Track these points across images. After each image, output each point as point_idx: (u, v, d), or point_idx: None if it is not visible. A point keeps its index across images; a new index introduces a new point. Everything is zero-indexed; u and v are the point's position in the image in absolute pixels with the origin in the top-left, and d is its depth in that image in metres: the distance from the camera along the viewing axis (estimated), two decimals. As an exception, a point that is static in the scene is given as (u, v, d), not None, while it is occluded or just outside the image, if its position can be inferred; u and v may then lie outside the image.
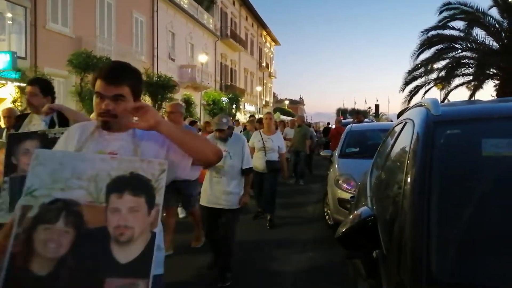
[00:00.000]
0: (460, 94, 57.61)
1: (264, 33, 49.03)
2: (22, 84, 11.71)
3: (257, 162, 6.45)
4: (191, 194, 5.21)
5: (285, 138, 11.45)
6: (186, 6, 26.14)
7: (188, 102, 22.50)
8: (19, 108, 11.40)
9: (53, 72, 13.82)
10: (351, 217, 2.03)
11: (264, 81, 50.32)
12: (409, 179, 1.71)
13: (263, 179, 6.63)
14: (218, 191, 4.18)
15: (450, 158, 1.87)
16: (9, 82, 11.53)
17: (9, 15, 13.30)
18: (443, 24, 16.68)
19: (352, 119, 15.79)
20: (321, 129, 22.42)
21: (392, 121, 11.63)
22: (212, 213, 4.23)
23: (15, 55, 11.79)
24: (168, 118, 4.91)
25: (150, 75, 17.67)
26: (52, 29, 14.72)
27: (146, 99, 17.09)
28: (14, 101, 11.32)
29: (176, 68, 25.06)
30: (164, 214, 4.48)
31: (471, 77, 17.21)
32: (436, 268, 1.42)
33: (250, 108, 39.82)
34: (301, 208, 7.95)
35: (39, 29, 14.06)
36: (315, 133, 14.71)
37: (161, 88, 17.28)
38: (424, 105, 2.20)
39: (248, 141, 5.84)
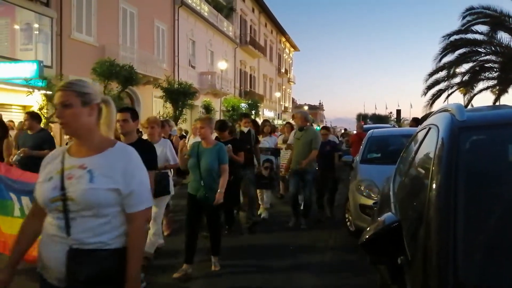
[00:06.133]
0: (484, 99, 56.37)
1: (283, 39, 49.16)
2: (48, 92, 12.07)
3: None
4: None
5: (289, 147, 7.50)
6: (206, 14, 26.46)
7: (208, 108, 22.76)
8: (45, 115, 11.75)
9: (78, 80, 14.15)
10: (375, 223, 2.04)
11: (283, 87, 50.36)
12: (434, 185, 1.71)
13: None
14: None
15: (475, 164, 1.87)
16: (36, 90, 11.88)
17: (36, 25, 13.73)
18: (466, 28, 16.46)
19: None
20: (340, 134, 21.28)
21: (414, 126, 11.30)
22: None
23: (41, 64, 12.15)
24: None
25: (171, 82, 17.94)
26: (76, 38, 15.12)
27: (167, 106, 17.36)
28: (40, 109, 11.64)
29: (196, 75, 25.36)
30: None
31: (495, 81, 16.90)
32: (463, 273, 1.42)
33: (269, 114, 39.89)
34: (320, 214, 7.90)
35: (64, 38, 14.46)
36: (338, 141, 9.37)
37: (182, 95, 17.54)
38: (449, 111, 2.20)
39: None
